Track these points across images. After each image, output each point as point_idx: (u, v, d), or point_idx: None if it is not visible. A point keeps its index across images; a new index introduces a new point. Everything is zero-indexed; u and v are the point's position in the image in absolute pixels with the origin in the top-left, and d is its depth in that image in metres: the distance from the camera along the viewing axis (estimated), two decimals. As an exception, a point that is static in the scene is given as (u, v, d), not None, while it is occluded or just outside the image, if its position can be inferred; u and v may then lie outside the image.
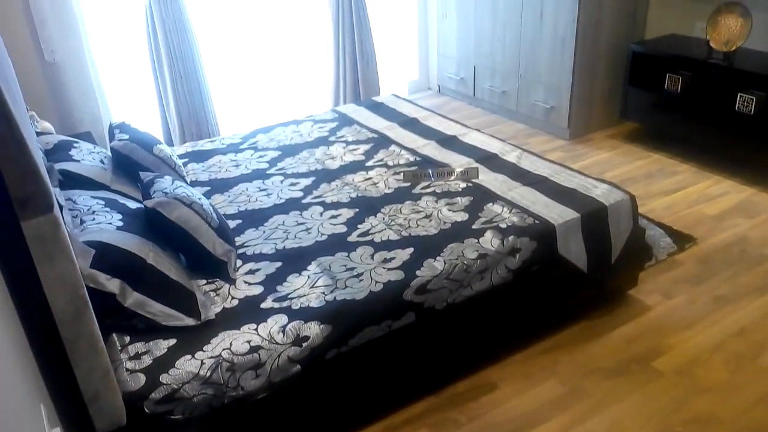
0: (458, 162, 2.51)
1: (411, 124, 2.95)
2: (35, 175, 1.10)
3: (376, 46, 4.04)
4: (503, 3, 3.79)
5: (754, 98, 2.92)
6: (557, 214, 2.09)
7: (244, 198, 2.30)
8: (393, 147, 2.71)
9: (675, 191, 3.01)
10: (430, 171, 2.42)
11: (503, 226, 2.02)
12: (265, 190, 2.35)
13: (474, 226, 2.04)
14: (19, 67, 2.61)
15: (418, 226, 2.05)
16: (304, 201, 2.25)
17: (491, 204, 2.17)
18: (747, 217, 2.76)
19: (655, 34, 3.64)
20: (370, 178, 2.43)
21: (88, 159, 2.10)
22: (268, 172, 2.50)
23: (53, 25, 3.06)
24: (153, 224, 1.68)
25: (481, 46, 4.07)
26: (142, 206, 1.77)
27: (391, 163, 2.55)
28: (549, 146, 3.60)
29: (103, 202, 1.75)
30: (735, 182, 3.06)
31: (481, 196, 2.22)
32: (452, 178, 2.37)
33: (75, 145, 2.19)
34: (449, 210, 2.15)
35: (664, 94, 3.34)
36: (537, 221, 2.05)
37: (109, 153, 2.28)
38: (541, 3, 3.53)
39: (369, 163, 2.57)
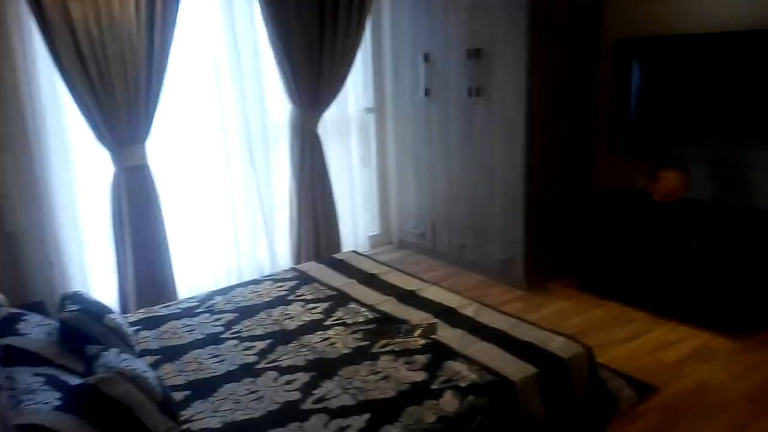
0: (417, 317, 2.52)
1: (370, 280, 2.99)
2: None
3: (338, 203, 4.19)
4: (457, 165, 4.04)
5: (701, 244, 3.07)
6: (516, 369, 2.08)
7: (195, 366, 2.23)
8: (352, 304, 2.72)
9: (633, 339, 3.04)
10: (393, 328, 2.42)
11: (463, 384, 1.99)
12: (218, 356, 2.29)
13: (433, 386, 2.00)
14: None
15: (375, 388, 2.00)
16: (258, 366, 2.19)
17: (450, 361, 2.15)
18: (705, 362, 2.77)
19: (602, 188, 3.87)
20: (328, 338, 2.40)
21: (35, 332, 2.05)
22: (222, 336, 2.46)
23: (17, 197, 3.12)
24: (93, 402, 1.61)
25: (439, 203, 4.27)
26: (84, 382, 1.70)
27: (350, 322, 2.54)
28: (508, 296, 3.65)
29: (44, 380, 1.67)
30: (690, 328, 3.11)
31: (441, 353, 2.21)
32: (414, 335, 2.36)
33: (23, 318, 2.14)
34: (408, 369, 2.11)
35: (612, 244, 3.49)
36: (497, 378, 2.03)
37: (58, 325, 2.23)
38: (492, 165, 3.78)
39: (328, 322, 2.55)
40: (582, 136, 3.86)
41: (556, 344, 2.24)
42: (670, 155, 3.39)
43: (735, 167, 3.20)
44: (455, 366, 2.11)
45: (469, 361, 2.14)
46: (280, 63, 3.71)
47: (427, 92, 4.14)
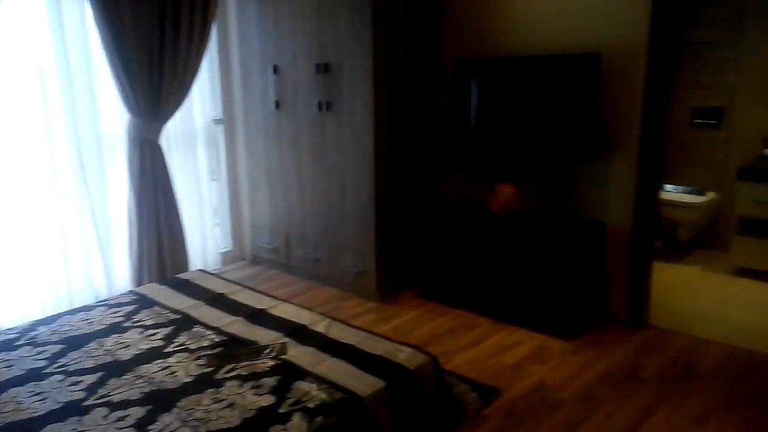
0: (267, 338, 2.44)
1: (218, 300, 2.86)
2: None
3: (185, 218, 3.97)
4: (310, 178, 4.01)
5: (534, 252, 3.30)
6: (365, 384, 2.07)
7: (13, 407, 1.97)
8: (197, 328, 2.57)
9: (476, 344, 3.19)
10: (240, 351, 2.32)
11: (311, 405, 1.95)
12: (39, 394, 2.04)
13: (281, 410, 1.93)
14: None
15: (219, 418, 1.89)
16: (86, 403, 1.98)
17: (300, 382, 2.09)
18: (541, 363, 2.97)
19: (446, 201, 4.06)
20: (168, 367, 2.24)
21: None
22: (45, 371, 2.20)
23: None
24: None
25: (292, 217, 4.21)
26: None
27: (193, 347, 2.40)
28: (361, 309, 3.68)
29: None
30: (527, 331, 3.33)
31: (290, 374, 2.15)
32: (261, 357, 2.28)
33: None
34: (255, 394, 2.03)
35: (457, 254, 3.65)
36: (346, 395, 2.01)
37: None
38: (343, 178, 3.79)
39: (169, 349, 2.39)
40: (429, 151, 4.01)
41: (404, 356, 2.28)
42: (506, 169, 3.63)
43: (562, 180, 3.49)
44: (304, 386, 2.06)
45: (319, 379, 2.10)
46: (115, 69, 3.44)
47: (277, 104, 4.07)
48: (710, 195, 4.42)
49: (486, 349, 3.14)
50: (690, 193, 4.48)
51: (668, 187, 4.59)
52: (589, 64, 3.10)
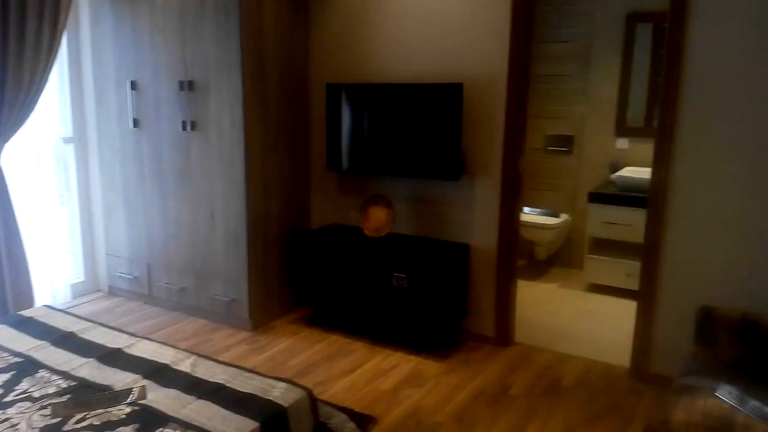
0: (123, 381, 2.21)
1: (66, 340, 2.56)
2: None
3: (29, 247, 3.55)
4: (174, 202, 3.77)
5: (406, 276, 3.33)
6: (236, 427, 1.93)
7: None
8: (42, 372, 2.28)
9: (353, 371, 3.14)
10: (92, 398, 2.08)
11: (175, 454, 1.78)
12: None
13: (140, 462, 1.74)
14: None
15: (64, 479, 1.67)
16: None
17: (161, 429, 1.91)
18: (416, 386, 2.99)
19: (320, 225, 4.00)
20: (8, 419, 1.95)
21: None
22: None
23: None
24: None
25: (154, 243, 3.93)
26: None
27: (37, 395, 2.11)
28: (233, 340, 3.49)
29: None
30: (402, 353, 3.34)
31: (150, 421, 1.95)
32: (117, 403, 2.05)
33: None
34: (109, 446, 1.82)
35: (332, 278, 3.60)
36: (214, 440, 1.86)
37: None
38: (211, 202, 3.61)
39: (8, 398, 2.08)
40: (301, 174, 3.94)
41: (277, 392, 2.16)
42: (377, 193, 3.66)
43: (432, 204, 3.57)
44: (167, 433, 1.88)
45: (184, 425, 1.93)
46: (-58, 80, 3.03)
47: (136, 123, 3.80)
48: (564, 217, 4.76)
49: (363, 374, 3.10)
50: (546, 215, 4.80)
51: (526, 209, 4.89)
52: (451, 93, 3.22)
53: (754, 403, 1.95)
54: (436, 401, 2.85)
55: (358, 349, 3.41)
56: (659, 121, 2.85)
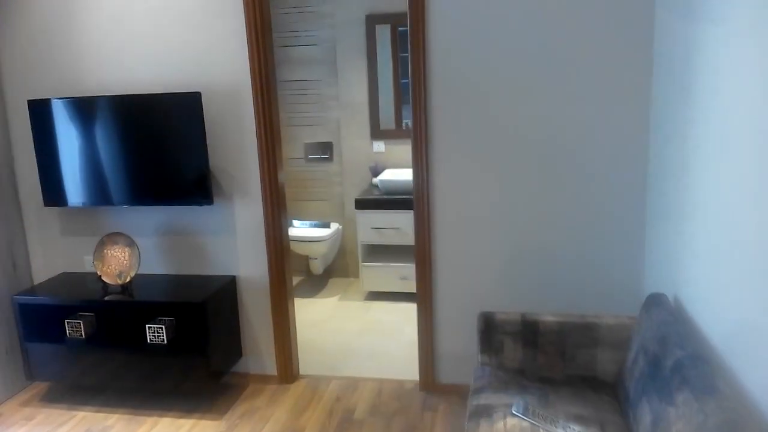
0: None
1: None
2: None
3: None
4: None
5: (164, 326, 2.79)
6: None
7: None
8: None
9: (109, 459, 2.52)
10: None
11: None
12: None
13: None
14: None
15: None
16: None
17: None
18: (193, 459, 2.49)
19: (45, 277, 3.22)
20: None
21: None
22: None
23: None
24: None
25: None
26: None
27: None
28: (-72, 454, 2.59)
29: None
30: (172, 419, 2.80)
31: None
32: None
33: None
34: None
35: (69, 342, 2.89)
36: None
37: None
38: None
39: None
40: (7, 216, 3.11)
41: None
42: (115, 231, 3.04)
43: (181, 234, 3.06)
44: None
45: None
46: None
47: None
48: (334, 226, 4.58)
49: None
50: (316, 227, 4.57)
51: (295, 222, 4.60)
52: (189, 104, 2.76)
53: (545, 413, 1.90)
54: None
55: (115, 424, 2.77)
56: (413, 123, 2.75)
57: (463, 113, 2.68)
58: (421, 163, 2.77)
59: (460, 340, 2.86)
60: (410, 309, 4.00)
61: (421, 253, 2.84)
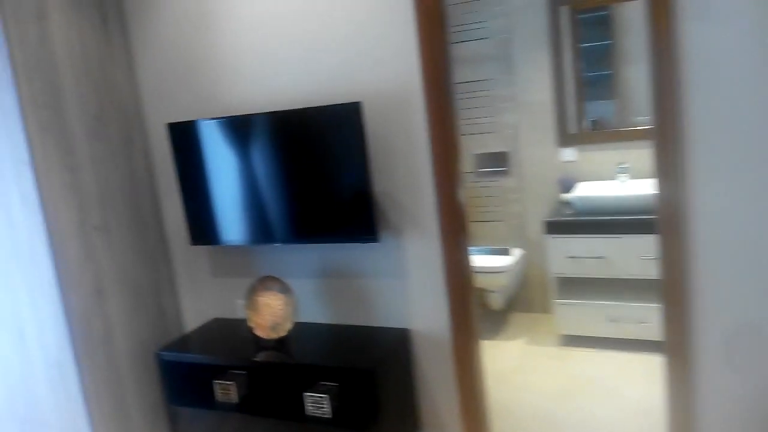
0: None
1: None
2: None
3: None
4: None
5: (327, 395, 2.21)
6: None
7: None
8: None
9: None
10: None
11: None
12: None
13: None
14: None
15: None
16: None
17: None
18: None
19: (196, 324, 2.83)
20: None
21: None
22: None
23: None
24: None
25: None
26: None
27: None
28: None
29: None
30: None
31: None
32: None
33: None
34: None
35: (219, 407, 2.42)
36: None
37: None
38: (17, 321, 2.36)
39: None
40: (155, 257, 2.75)
41: None
42: (268, 274, 2.54)
43: (343, 277, 2.48)
44: None
45: None
46: None
47: None
48: (516, 253, 3.80)
49: None
50: (493, 254, 3.82)
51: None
52: (348, 116, 2.16)
53: None
54: None
55: None
56: (656, 124, 1.92)
57: (741, 103, 1.80)
58: (669, 172, 1.93)
59: (735, 413, 1.95)
60: (626, 361, 3.10)
61: (671, 289, 1.99)
